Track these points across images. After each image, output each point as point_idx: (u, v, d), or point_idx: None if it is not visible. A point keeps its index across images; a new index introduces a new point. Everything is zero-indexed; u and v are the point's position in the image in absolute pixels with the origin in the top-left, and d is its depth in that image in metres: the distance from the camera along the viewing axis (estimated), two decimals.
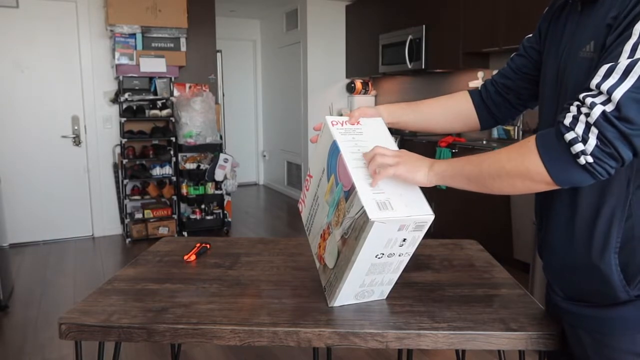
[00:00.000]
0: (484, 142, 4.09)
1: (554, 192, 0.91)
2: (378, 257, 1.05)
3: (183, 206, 4.92)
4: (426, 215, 1.00)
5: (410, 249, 1.07)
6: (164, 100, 4.69)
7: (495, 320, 1.07)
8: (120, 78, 4.55)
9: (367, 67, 5.73)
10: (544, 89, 1.04)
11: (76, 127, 4.71)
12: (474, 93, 1.23)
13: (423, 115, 1.23)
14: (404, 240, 1.03)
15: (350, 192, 1.03)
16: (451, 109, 1.22)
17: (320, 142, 1.19)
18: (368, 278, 1.11)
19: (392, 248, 1.04)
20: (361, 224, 0.99)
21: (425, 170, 0.99)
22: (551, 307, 1.05)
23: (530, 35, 1.15)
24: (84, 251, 4.43)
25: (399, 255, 1.07)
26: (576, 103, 0.80)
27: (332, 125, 1.15)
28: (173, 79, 4.77)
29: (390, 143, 1.13)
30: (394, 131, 4.94)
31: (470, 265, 1.44)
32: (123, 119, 4.52)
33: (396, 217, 0.98)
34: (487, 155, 0.93)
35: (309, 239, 1.26)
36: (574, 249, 0.91)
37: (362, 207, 0.98)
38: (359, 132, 1.15)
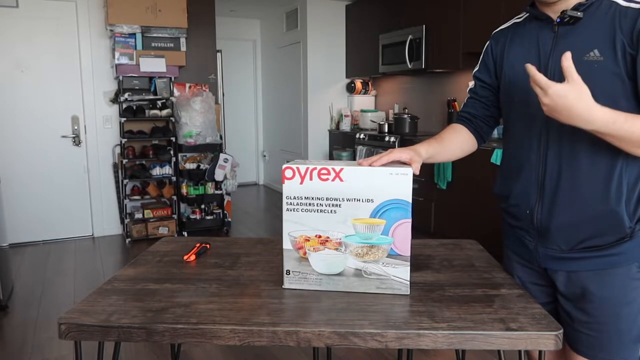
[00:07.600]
0: None
1: (566, 166, 1.12)
2: None
3: (183, 206, 4.92)
4: None
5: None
6: (164, 100, 4.68)
7: (495, 320, 1.07)
8: (120, 78, 4.54)
9: (367, 67, 5.73)
10: (514, 93, 1.22)
11: (76, 127, 4.71)
12: (466, 123, 1.42)
13: (448, 149, 1.41)
14: None
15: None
16: (462, 140, 1.42)
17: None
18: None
19: None
20: None
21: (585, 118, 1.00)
22: (544, 263, 1.22)
23: (477, 68, 1.37)
24: (84, 251, 4.43)
25: None
26: None
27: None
28: (173, 78, 4.77)
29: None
30: (395, 131, 4.94)
31: (470, 265, 1.45)
32: (123, 119, 4.52)
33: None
34: None
35: None
36: (596, 201, 1.10)
37: None
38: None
